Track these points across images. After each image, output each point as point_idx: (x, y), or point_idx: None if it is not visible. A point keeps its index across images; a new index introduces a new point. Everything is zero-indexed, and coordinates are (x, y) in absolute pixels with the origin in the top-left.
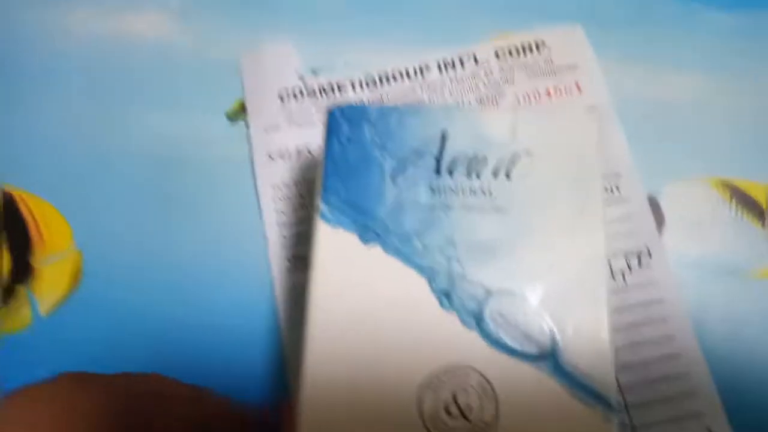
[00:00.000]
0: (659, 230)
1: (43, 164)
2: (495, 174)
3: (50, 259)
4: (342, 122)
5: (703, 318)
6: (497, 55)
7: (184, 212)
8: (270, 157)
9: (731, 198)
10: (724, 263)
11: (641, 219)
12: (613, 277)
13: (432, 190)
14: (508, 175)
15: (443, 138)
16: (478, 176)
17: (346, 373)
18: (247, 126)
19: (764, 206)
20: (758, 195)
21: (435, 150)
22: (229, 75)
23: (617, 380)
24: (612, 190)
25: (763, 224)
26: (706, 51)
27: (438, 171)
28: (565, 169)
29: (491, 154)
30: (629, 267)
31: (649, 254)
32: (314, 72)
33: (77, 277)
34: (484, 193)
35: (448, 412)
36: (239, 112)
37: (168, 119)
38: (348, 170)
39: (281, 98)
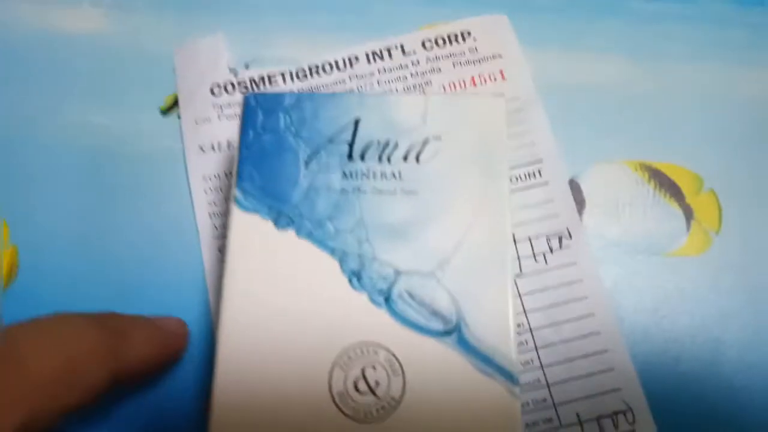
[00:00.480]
0: (580, 212)
1: None
2: (405, 158)
3: None
4: (257, 110)
5: (621, 296)
6: (424, 46)
7: (118, 204)
8: (201, 149)
9: (650, 180)
10: (642, 243)
11: (562, 202)
12: (535, 259)
13: (345, 175)
14: (417, 159)
15: (356, 125)
16: (389, 161)
17: (259, 354)
18: (179, 118)
19: (682, 187)
20: (676, 177)
21: (348, 136)
22: (163, 69)
23: (539, 358)
24: (534, 175)
25: (680, 205)
26: (628, 37)
27: (351, 156)
28: (472, 153)
29: (402, 140)
30: (550, 249)
31: (570, 236)
32: (246, 65)
33: (13, 272)
34: (394, 176)
35: (357, 389)
36: (173, 106)
37: (103, 113)
38: (263, 157)
39: (212, 91)
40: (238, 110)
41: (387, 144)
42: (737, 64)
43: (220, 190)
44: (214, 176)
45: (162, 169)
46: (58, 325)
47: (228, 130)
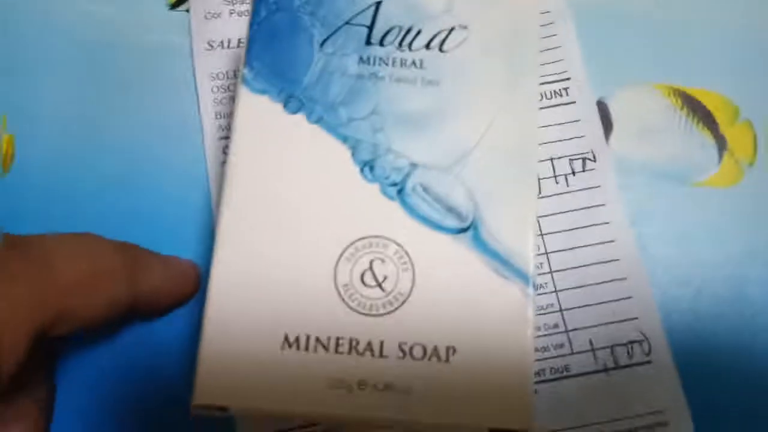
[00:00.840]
0: (607, 135)
1: None
2: (428, 46)
3: None
4: None
5: (645, 224)
6: None
7: (121, 98)
8: (210, 45)
9: (682, 106)
10: (670, 170)
11: (588, 123)
12: (556, 180)
13: (362, 59)
14: (441, 48)
15: (377, 7)
16: (410, 47)
17: (261, 241)
18: (188, 12)
19: (716, 116)
20: (710, 104)
21: (367, 19)
22: None
23: (554, 282)
24: (561, 93)
25: (713, 134)
26: None
27: (369, 41)
28: (500, 45)
29: (426, 26)
30: (573, 171)
31: (594, 158)
32: None
33: (7, 161)
34: (415, 64)
35: (364, 282)
36: (182, 0)
37: (109, 3)
38: (275, 36)
39: None
40: (250, 6)
41: (409, 29)
42: None
43: (228, 89)
44: (223, 74)
45: (168, 64)
46: (86, 241)
47: (239, 27)
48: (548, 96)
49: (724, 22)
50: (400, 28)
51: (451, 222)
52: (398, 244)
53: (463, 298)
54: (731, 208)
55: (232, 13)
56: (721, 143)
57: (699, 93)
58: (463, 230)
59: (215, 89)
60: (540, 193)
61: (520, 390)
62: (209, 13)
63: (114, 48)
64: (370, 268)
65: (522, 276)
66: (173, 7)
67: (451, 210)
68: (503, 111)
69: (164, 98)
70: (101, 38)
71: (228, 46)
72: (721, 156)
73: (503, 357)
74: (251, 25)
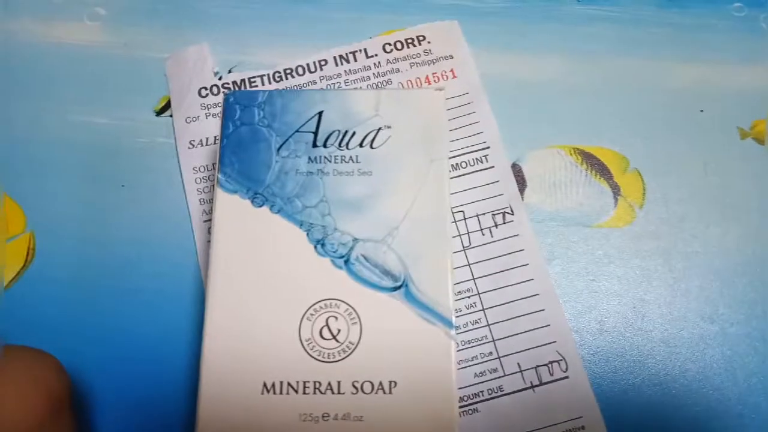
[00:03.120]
0: (522, 191)
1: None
2: (361, 144)
3: (9, 240)
4: (235, 106)
5: (557, 263)
6: (384, 49)
7: (119, 194)
8: (191, 144)
9: (582, 161)
10: (575, 216)
11: (506, 182)
12: (482, 233)
13: (310, 159)
14: (371, 145)
15: (319, 116)
16: (347, 146)
17: (242, 309)
18: (172, 117)
19: (610, 167)
20: (604, 158)
21: (312, 126)
22: (156, 75)
23: (486, 318)
24: (482, 160)
25: (608, 183)
26: (562, 37)
27: (315, 144)
28: (417, 138)
29: (359, 128)
30: (495, 223)
31: (512, 212)
32: (229, 70)
33: (30, 255)
34: (352, 160)
35: (322, 336)
36: (166, 107)
37: (104, 114)
38: (241, 146)
39: (200, 93)
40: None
41: (346, 132)
42: (658, 59)
43: (209, 179)
44: (203, 167)
45: (157, 162)
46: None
47: (215, 126)
48: (471, 163)
49: (611, 88)
50: (339, 132)
51: (387, 282)
52: (347, 304)
53: (400, 342)
54: (627, 243)
55: (208, 116)
56: (616, 190)
57: (595, 150)
58: (397, 288)
59: (198, 180)
60: (470, 244)
61: (447, 413)
62: (189, 117)
63: (111, 150)
64: (327, 324)
65: (444, 321)
66: (158, 114)
67: (386, 273)
68: (422, 192)
69: (156, 191)
70: (100, 142)
71: (206, 144)
72: (616, 201)
73: (433, 386)
74: (222, 138)
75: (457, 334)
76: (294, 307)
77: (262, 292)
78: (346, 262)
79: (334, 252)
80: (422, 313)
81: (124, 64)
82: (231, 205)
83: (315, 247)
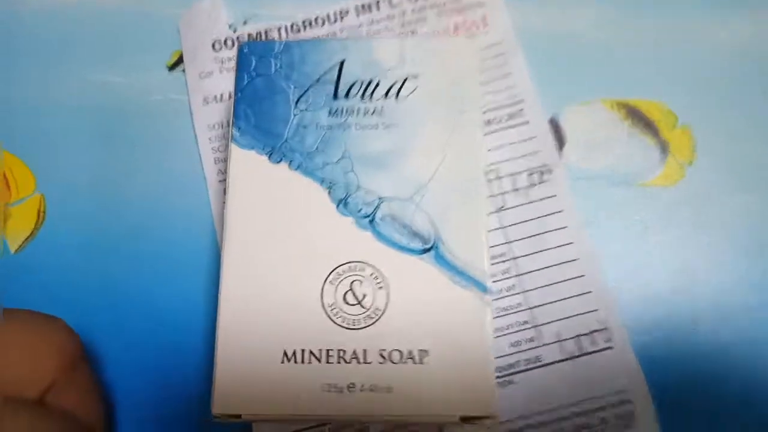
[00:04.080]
0: (560, 149)
1: (6, 121)
2: (386, 95)
3: (17, 203)
4: (250, 57)
5: (599, 225)
6: None
7: (132, 154)
8: (205, 100)
9: (626, 116)
10: (618, 175)
11: (543, 139)
12: (517, 193)
13: (331, 112)
14: (396, 96)
15: (340, 66)
16: (371, 98)
17: (259, 273)
18: (184, 73)
19: (657, 123)
20: (650, 112)
21: (333, 77)
22: (168, 30)
23: (521, 283)
24: (515, 115)
25: (655, 139)
26: None
27: (336, 95)
28: (446, 90)
29: (382, 78)
30: (531, 183)
31: (550, 171)
32: (245, 22)
33: (41, 218)
34: (376, 112)
35: (346, 301)
36: (178, 63)
37: (115, 72)
38: (256, 99)
39: (214, 47)
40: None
41: (369, 83)
42: (711, 10)
43: (223, 137)
44: (218, 125)
45: (170, 120)
46: None
47: (229, 82)
48: (504, 119)
49: (656, 38)
50: (362, 82)
51: (416, 244)
52: (373, 267)
53: (430, 308)
54: (675, 203)
55: (222, 71)
56: (664, 147)
57: (640, 103)
58: (427, 250)
59: (213, 138)
60: (504, 205)
61: (483, 383)
62: (202, 72)
63: (123, 109)
64: (351, 288)
65: (478, 284)
66: (171, 69)
67: (415, 234)
68: (451, 148)
69: (169, 151)
70: (112, 101)
71: (221, 100)
72: (664, 158)
73: (467, 355)
74: (236, 91)
75: (492, 300)
76: (316, 270)
77: (281, 255)
78: (371, 222)
79: (358, 211)
80: (454, 276)
81: (136, 20)
82: (247, 162)
83: (337, 205)
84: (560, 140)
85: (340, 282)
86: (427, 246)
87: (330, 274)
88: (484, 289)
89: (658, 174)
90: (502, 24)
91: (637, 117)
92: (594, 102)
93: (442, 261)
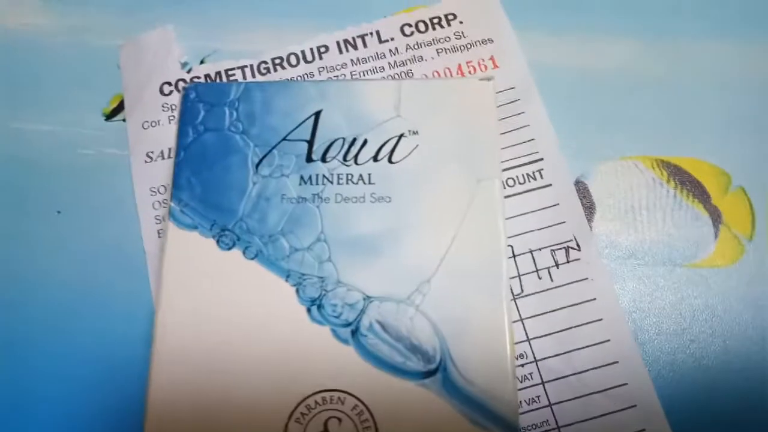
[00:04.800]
0: (589, 219)
1: None
2: (375, 158)
3: None
4: (197, 105)
5: (641, 317)
6: (403, 32)
7: (55, 223)
8: (149, 156)
9: (669, 178)
10: (663, 253)
11: (568, 207)
12: (539, 275)
13: (302, 180)
14: (390, 159)
15: (316, 119)
16: (356, 161)
17: (198, 405)
18: (125, 122)
19: (706, 186)
20: (700, 173)
21: (306, 133)
22: (107, 67)
23: (547, 395)
24: (534, 176)
25: (706, 207)
26: (635, 13)
27: (310, 158)
28: (456, 149)
29: (371, 135)
30: (556, 263)
31: (578, 246)
32: (202, 60)
33: None
34: (363, 180)
35: None
36: (118, 109)
37: (39, 121)
38: (204, 161)
39: (162, 90)
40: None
41: (354, 141)
42: (762, 41)
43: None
44: (164, 188)
45: (104, 182)
46: None
47: None
48: (521, 180)
49: (702, 81)
50: (344, 140)
51: (416, 364)
52: (357, 398)
53: None
54: (736, 288)
55: (171, 120)
56: (716, 216)
57: (685, 162)
58: (431, 373)
59: (157, 205)
60: (522, 291)
61: None
62: (146, 121)
63: (45, 167)
64: (326, 429)
65: (505, 425)
66: (109, 117)
67: (415, 349)
68: (465, 225)
69: (103, 219)
70: (29, 157)
71: (169, 157)
72: (717, 231)
73: None
74: (177, 150)
75: None
76: (277, 402)
77: (230, 379)
78: (355, 332)
79: (336, 317)
80: (468, 410)
81: (67, 54)
82: (187, 247)
83: (308, 309)
84: (590, 207)
85: (310, 420)
86: (432, 367)
87: (297, 408)
88: (512, 430)
89: (711, 251)
90: (516, 63)
91: (682, 178)
92: (629, 160)
93: (452, 389)
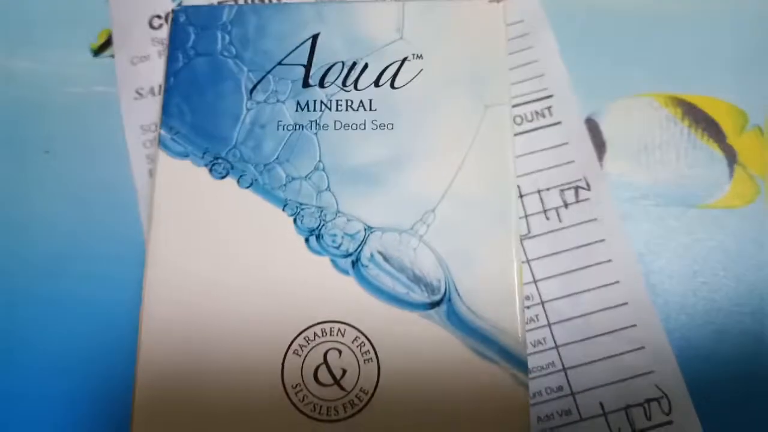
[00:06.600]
0: (600, 158)
1: None
2: (377, 83)
3: None
4: (187, 28)
5: (652, 258)
6: None
7: (45, 162)
8: (139, 93)
9: (684, 117)
10: (676, 193)
11: (578, 145)
12: (546, 216)
13: (299, 105)
14: (392, 84)
15: (313, 42)
16: (356, 86)
17: (194, 339)
18: (113, 58)
19: (722, 125)
20: (716, 112)
21: (303, 57)
22: (93, 2)
23: (553, 337)
24: (544, 113)
25: (721, 146)
26: None
27: (307, 82)
28: (462, 74)
29: (372, 59)
30: (565, 203)
31: (588, 186)
32: None
33: None
34: (363, 106)
35: (318, 380)
36: (106, 44)
37: (25, 58)
38: (195, 87)
39: (151, 24)
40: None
41: (354, 65)
42: None
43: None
44: (155, 125)
45: (93, 120)
46: None
47: None
48: (529, 118)
49: (721, 17)
50: (343, 64)
51: (420, 295)
52: (358, 330)
53: (440, 389)
54: (750, 229)
55: (161, 55)
56: (731, 156)
57: (701, 100)
58: (435, 304)
59: (148, 144)
60: (529, 232)
61: None
62: (136, 57)
63: (32, 106)
64: (325, 361)
65: (511, 357)
66: (96, 53)
67: (418, 280)
68: (472, 153)
69: (91, 159)
70: (15, 96)
71: (159, 93)
72: (732, 171)
73: None
74: (167, 76)
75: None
76: (275, 335)
77: (227, 312)
78: (355, 263)
79: (336, 247)
80: (475, 343)
81: None
82: (179, 176)
83: (307, 239)
84: (600, 146)
85: (309, 351)
86: (436, 298)
87: (295, 339)
88: (519, 363)
89: (725, 192)
90: None
91: (697, 117)
92: (642, 97)
93: (458, 320)
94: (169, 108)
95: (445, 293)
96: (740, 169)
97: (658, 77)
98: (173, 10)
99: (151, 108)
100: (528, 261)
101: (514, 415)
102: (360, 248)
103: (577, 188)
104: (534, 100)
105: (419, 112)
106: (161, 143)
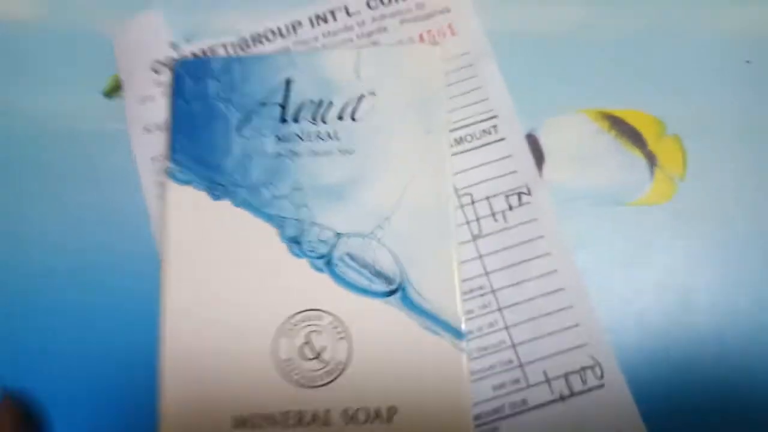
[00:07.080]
0: (539, 167)
1: None
2: (340, 117)
3: None
4: (185, 78)
5: (585, 250)
6: (369, 5)
7: (62, 193)
8: (146, 129)
9: (610, 128)
10: (605, 194)
11: (520, 157)
12: (495, 218)
13: (278, 138)
14: (353, 117)
15: (287, 85)
16: (323, 120)
17: (202, 328)
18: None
19: (643, 133)
20: (638, 123)
21: (280, 98)
22: (103, 51)
23: (503, 319)
24: (490, 131)
25: (643, 152)
26: None
27: (284, 119)
28: (408, 107)
29: (336, 97)
30: (510, 206)
31: (529, 192)
32: (187, 40)
33: None
34: (330, 136)
35: (303, 355)
36: (116, 88)
37: (44, 97)
38: (194, 127)
39: (154, 69)
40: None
41: (321, 103)
42: (694, 5)
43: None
44: (162, 157)
45: (107, 153)
46: None
47: None
48: (477, 135)
49: (638, 39)
50: (312, 102)
51: (380, 286)
52: (332, 315)
53: (399, 359)
54: (669, 223)
55: (164, 95)
56: (651, 159)
57: (625, 113)
58: (392, 292)
59: (157, 172)
60: (481, 232)
61: None
62: (142, 97)
63: (51, 139)
64: (308, 341)
65: (452, 330)
66: (108, 96)
67: (378, 274)
68: (417, 173)
69: (107, 186)
70: (39, 132)
71: (164, 128)
72: (652, 172)
73: (442, 411)
74: (172, 118)
75: (470, 340)
76: (266, 321)
77: (227, 305)
78: (328, 263)
79: (312, 251)
80: (424, 321)
81: (64, 40)
82: (185, 199)
83: (289, 246)
84: (539, 157)
85: (295, 334)
86: (393, 287)
87: (283, 324)
88: (458, 334)
89: (647, 191)
90: (471, 30)
91: (622, 128)
92: (575, 113)
93: (410, 304)
94: (174, 144)
95: (399, 284)
96: (659, 171)
97: (587, 95)
98: (174, 65)
99: (159, 141)
100: (481, 256)
101: (455, 373)
102: (331, 251)
103: (519, 194)
104: (481, 121)
105: (375, 139)
106: (169, 174)
